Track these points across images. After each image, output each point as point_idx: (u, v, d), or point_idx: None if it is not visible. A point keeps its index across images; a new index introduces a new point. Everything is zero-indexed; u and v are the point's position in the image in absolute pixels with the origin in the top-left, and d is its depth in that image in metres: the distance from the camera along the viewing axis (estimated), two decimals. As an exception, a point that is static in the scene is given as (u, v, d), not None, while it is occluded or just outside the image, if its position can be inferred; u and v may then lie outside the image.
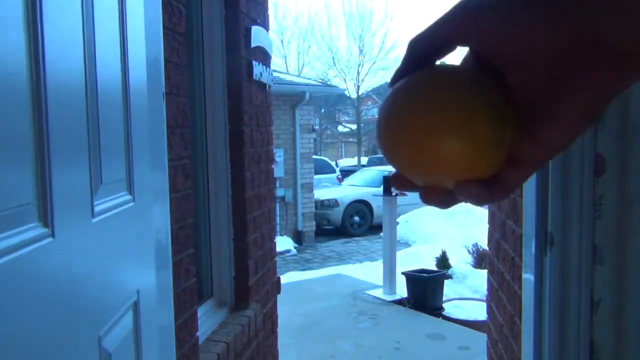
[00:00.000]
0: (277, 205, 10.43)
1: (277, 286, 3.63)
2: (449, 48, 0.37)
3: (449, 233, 9.89)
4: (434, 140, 0.35)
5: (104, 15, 1.10)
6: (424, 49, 0.38)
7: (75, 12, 0.96)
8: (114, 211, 1.13)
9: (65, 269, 0.90)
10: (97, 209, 1.03)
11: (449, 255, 7.35)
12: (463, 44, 0.37)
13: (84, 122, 0.98)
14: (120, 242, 1.19)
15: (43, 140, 0.82)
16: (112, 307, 1.12)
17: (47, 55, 0.83)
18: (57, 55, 0.87)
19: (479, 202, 0.37)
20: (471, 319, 5.58)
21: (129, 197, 1.24)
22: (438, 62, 0.39)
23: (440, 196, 0.38)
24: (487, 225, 3.13)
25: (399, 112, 0.37)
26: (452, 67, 0.38)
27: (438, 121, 0.35)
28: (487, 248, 3.32)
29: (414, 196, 0.46)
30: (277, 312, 3.65)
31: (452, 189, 0.37)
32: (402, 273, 6.30)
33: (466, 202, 0.38)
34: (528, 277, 1.85)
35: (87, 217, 0.99)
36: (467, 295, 6.61)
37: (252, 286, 3.04)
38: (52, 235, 0.84)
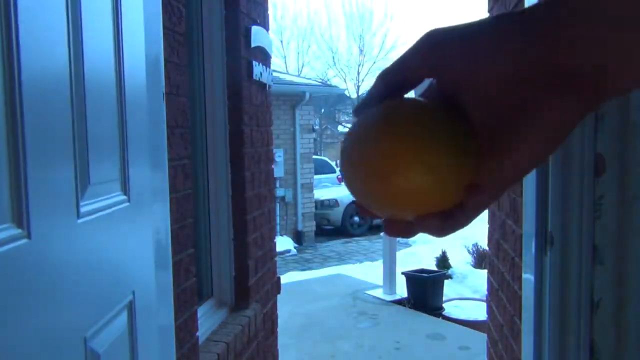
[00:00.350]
0: (277, 205, 10.43)
1: (277, 286, 3.63)
2: (417, 80, 0.38)
3: (449, 233, 9.87)
4: (395, 177, 0.34)
5: (94, 13, 1.08)
6: (394, 81, 0.38)
7: (57, 6, 0.94)
8: (106, 211, 1.11)
9: (44, 271, 0.88)
10: (83, 209, 1.01)
11: (449, 255, 7.35)
12: (431, 76, 0.37)
13: (69, 122, 0.96)
14: (112, 243, 1.18)
15: (17, 139, 0.80)
16: (102, 308, 1.11)
17: (22, 47, 0.81)
18: (34, 49, 0.85)
19: (439, 234, 0.37)
20: (471, 319, 5.58)
21: (123, 197, 1.23)
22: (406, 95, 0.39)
23: (402, 229, 0.38)
24: (487, 225, 3.13)
25: (361, 147, 0.36)
26: (415, 103, 0.37)
27: (399, 158, 0.34)
28: (487, 248, 3.32)
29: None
30: (277, 312, 3.65)
31: (413, 221, 0.37)
32: (402, 273, 6.30)
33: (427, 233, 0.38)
34: (528, 277, 1.85)
35: (71, 218, 0.97)
36: (467, 295, 6.61)
37: (252, 286, 3.04)
38: (28, 236, 0.82)
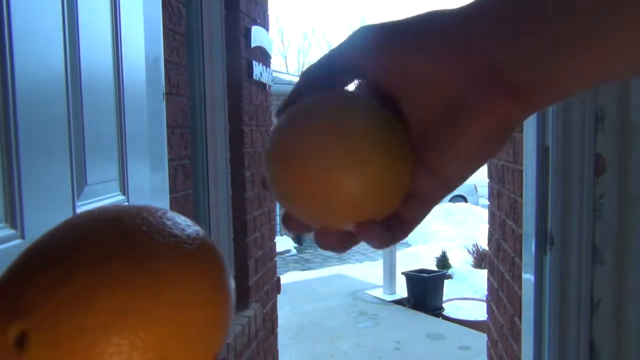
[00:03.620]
0: (277, 205, 10.42)
1: (277, 286, 3.63)
2: (345, 79, 0.34)
3: (449, 233, 9.88)
4: (328, 181, 0.30)
5: (91, 12, 1.08)
6: (319, 79, 0.34)
7: (54, 8, 0.94)
8: None
9: None
10: (80, 210, 1.01)
11: (449, 255, 7.35)
12: (360, 75, 0.34)
13: (64, 123, 0.96)
14: None
15: (10, 140, 0.79)
16: None
17: (15, 45, 0.80)
18: (27, 46, 0.84)
19: (381, 244, 0.34)
20: (471, 319, 5.58)
21: (122, 197, 1.23)
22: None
23: (339, 240, 0.35)
24: (487, 225, 3.13)
25: (290, 145, 0.31)
26: (349, 96, 0.33)
27: (331, 160, 0.30)
28: (487, 248, 3.32)
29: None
30: (277, 312, 3.65)
31: (353, 230, 0.33)
32: (402, 273, 6.30)
33: (367, 243, 0.35)
34: (528, 277, 1.85)
35: (66, 218, 0.96)
36: (467, 295, 6.61)
37: (252, 286, 3.04)
38: (22, 236, 0.82)
